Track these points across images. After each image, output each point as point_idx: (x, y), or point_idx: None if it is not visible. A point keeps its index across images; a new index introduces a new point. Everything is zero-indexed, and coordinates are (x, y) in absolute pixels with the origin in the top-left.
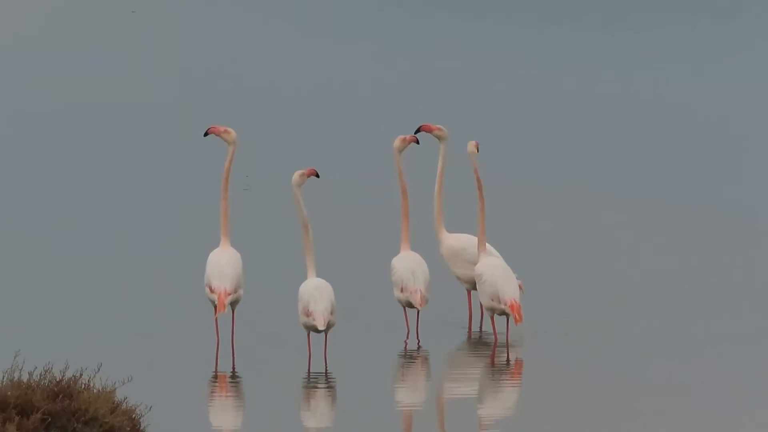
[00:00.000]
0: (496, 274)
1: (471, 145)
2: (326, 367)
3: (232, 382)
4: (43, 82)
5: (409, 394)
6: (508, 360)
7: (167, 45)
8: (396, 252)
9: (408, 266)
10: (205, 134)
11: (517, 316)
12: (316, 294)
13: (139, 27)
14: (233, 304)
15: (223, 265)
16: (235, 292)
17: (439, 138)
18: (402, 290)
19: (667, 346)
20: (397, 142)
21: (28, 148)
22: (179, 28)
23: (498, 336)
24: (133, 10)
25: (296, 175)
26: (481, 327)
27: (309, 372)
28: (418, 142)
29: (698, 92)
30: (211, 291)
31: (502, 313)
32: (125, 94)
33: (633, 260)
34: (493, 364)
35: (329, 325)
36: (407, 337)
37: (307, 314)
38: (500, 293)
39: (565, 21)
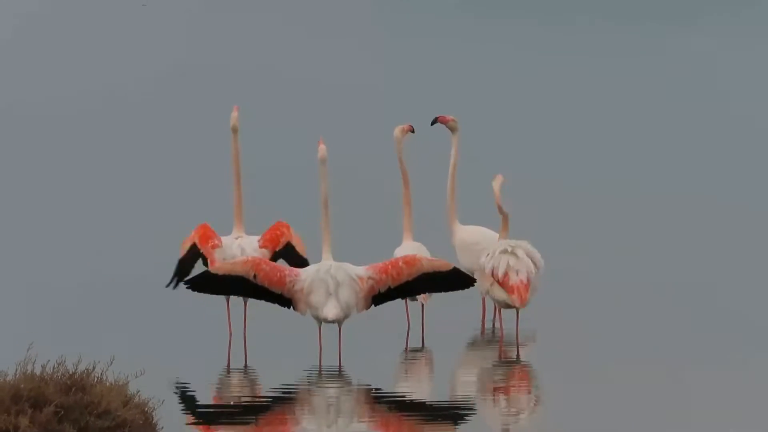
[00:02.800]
0: (500, 259)
1: (497, 182)
2: (340, 362)
3: (243, 376)
4: (48, 71)
5: (414, 393)
6: (517, 357)
7: (178, 36)
8: (398, 242)
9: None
10: (433, 122)
11: (517, 298)
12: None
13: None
14: None
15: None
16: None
17: (452, 129)
18: None
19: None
20: (396, 132)
21: (33, 139)
22: (187, 21)
23: (512, 331)
24: (144, 3)
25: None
26: (494, 323)
27: (320, 367)
28: (413, 131)
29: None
30: None
31: (507, 305)
32: (132, 82)
33: (661, 258)
34: (500, 358)
35: (339, 319)
36: (408, 332)
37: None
38: (499, 272)
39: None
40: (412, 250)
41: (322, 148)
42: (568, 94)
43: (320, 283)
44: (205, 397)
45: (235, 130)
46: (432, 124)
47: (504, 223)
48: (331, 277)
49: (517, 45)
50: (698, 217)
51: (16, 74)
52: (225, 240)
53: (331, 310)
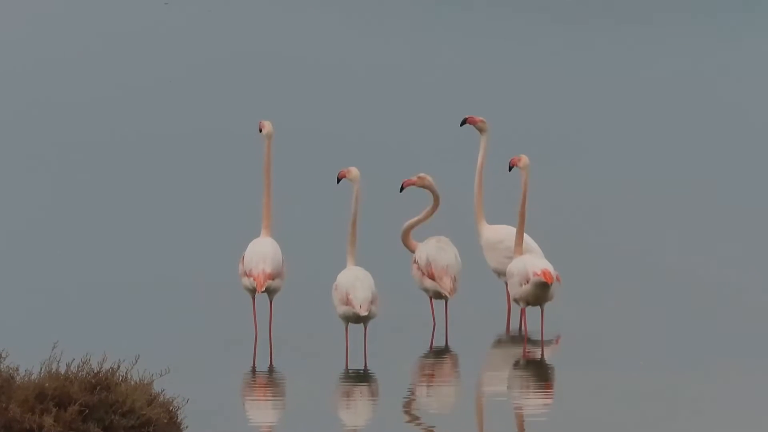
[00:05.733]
0: (525, 259)
1: (524, 160)
2: (366, 362)
3: (269, 377)
4: (73, 68)
5: (437, 395)
6: (542, 356)
7: (201, 30)
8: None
9: (435, 251)
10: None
11: (547, 278)
12: (356, 283)
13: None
14: (272, 292)
15: (263, 249)
16: (276, 277)
17: (481, 130)
18: (431, 277)
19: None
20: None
21: (66, 131)
22: (211, 14)
23: (536, 331)
24: (166, 1)
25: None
26: (521, 323)
27: (347, 367)
28: (401, 190)
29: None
30: (249, 276)
31: (535, 297)
32: (160, 79)
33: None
34: (524, 357)
35: (371, 315)
36: (433, 331)
37: (346, 302)
38: (528, 268)
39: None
40: (435, 243)
41: (352, 172)
42: (596, 93)
43: (350, 283)
44: (230, 396)
45: (269, 137)
46: (461, 124)
47: (519, 240)
48: (359, 281)
49: (544, 41)
50: (708, 217)
51: (31, 75)
52: (255, 240)
53: (363, 308)
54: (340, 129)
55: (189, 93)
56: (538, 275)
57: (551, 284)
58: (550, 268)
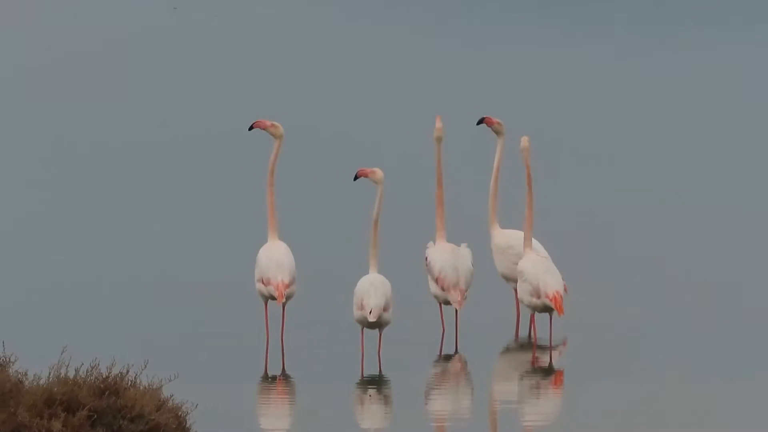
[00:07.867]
0: (538, 269)
1: (524, 140)
2: (380, 367)
3: (280, 381)
4: (80, 70)
5: (447, 401)
6: (550, 363)
7: (206, 36)
8: (429, 242)
9: (450, 261)
10: (250, 128)
11: (558, 308)
12: (371, 289)
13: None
14: (286, 299)
15: (279, 256)
16: (291, 284)
17: (497, 132)
18: (441, 287)
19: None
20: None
21: (70, 134)
22: (217, 20)
23: (545, 336)
24: (175, 6)
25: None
26: (530, 329)
27: (362, 372)
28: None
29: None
30: (266, 284)
31: (543, 309)
32: (167, 84)
33: (694, 267)
34: (533, 364)
35: (383, 322)
36: (443, 337)
37: (361, 307)
38: (541, 287)
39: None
40: (449, 254)
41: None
42: (601, 96)
43: (366, 289)
44: (239, 402)
45: (280, 137)
46: (478, 123)
47: (528, 225)
48: (374, 287)
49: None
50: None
51: (33, 79)
52: (267, 245)
53: (373, 313)
54: (349, 132)
55: (193, 96)
56: (550, 300)
57: (561, 314)
58: (562, 289)
